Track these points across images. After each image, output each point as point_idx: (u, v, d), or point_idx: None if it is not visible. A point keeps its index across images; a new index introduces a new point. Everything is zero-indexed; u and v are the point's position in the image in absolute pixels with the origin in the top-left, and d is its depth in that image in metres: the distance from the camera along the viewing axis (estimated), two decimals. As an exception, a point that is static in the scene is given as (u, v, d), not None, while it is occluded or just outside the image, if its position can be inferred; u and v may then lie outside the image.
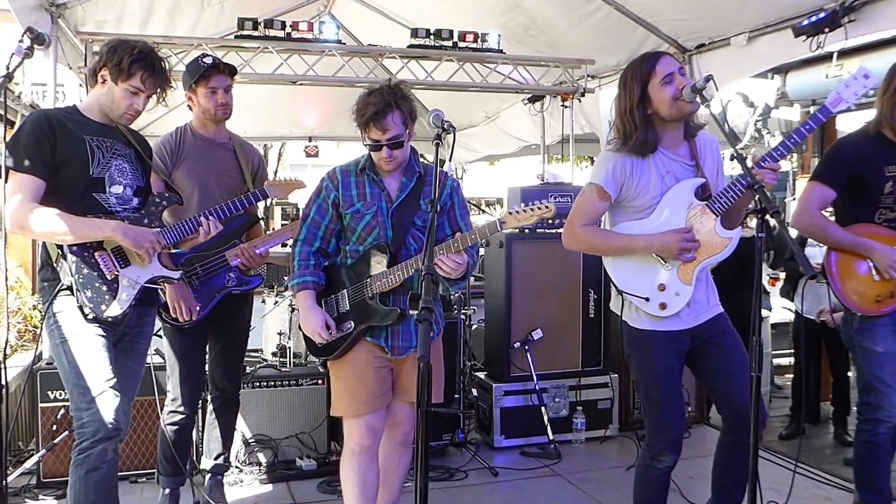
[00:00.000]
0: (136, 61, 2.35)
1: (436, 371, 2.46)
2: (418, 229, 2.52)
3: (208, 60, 2.97)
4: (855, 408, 2.81)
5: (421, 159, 2.68)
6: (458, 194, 2.61)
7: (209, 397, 3.22)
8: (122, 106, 2.40)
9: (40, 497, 3.35)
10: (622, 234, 2.49)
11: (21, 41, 2.22)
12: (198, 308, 2.86)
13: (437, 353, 2.56)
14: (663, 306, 2.44)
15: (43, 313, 2.39)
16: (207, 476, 3.22)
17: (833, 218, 2.90)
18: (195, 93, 2.94)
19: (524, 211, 2.36)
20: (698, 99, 2.39)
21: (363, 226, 2.50)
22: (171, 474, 3.08)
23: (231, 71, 3.00)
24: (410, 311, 2.42)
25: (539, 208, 2.35)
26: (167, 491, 3.10)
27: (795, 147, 2.42)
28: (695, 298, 2.46)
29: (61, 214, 2.27)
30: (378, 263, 2.47)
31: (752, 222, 5.47)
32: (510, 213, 2.38)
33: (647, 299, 2.44)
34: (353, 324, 2.50)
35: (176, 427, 3.01)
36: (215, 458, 3.20)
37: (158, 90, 2.45)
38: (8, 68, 2.20)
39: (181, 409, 3.00)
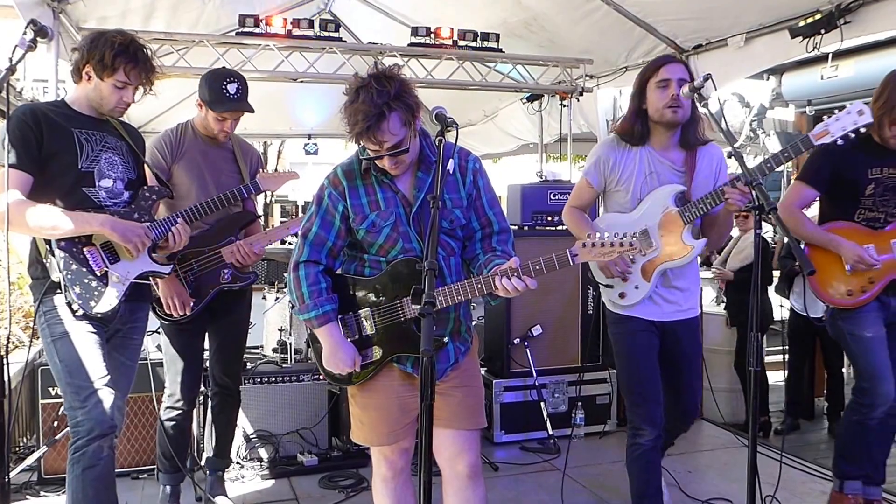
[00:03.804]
0: (118, 55, 2.28)
1: (476, 391, 2.25)
2: (445, 233, 2.14)
3: (232, 90, 2.83)
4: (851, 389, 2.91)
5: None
6: (483, 177, 2.21)
7: (210, 394, 3.24)
8: (112, 101, 2.35)
9: (42, 493, 3.36)
10: (589, 224, 2.70)
11: (24, 34, 2.18)
12: (192, 304, 2.86)
13: (474, 369, 2.29)
14: (622, 295, 2.64)
15: (34, 311, 2.35)
16: (209, 472, 3.24)
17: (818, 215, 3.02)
18: (208, 109, 2.89)
19: (602, 245, 1.96)
20: (695, 98, 2.44)
21: (383, 238, 2.12)
22: (170, 471, 3.09)
23: (246, 109, 2.90)
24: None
25: (622, 244, 1.94)
26: (167, 488, 3.11)
27: (770, 172, 2.43)
28: (666, 298, 2.63)
29: (49, 209, 2.24)
30: (411, 282, 2.09)
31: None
32: (584, 246, 1.99)
33: (610, 287, 2.67)
34: (378, 351, 2.16)
35: (173, 423, 3.02)
36: (216, 455, 3.22)
37: (145, 80, 2.37)
38: (10, 61, 2.15)
39: (178, 404, 3.01)
